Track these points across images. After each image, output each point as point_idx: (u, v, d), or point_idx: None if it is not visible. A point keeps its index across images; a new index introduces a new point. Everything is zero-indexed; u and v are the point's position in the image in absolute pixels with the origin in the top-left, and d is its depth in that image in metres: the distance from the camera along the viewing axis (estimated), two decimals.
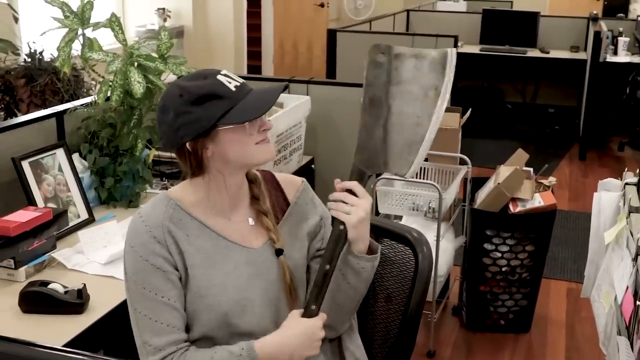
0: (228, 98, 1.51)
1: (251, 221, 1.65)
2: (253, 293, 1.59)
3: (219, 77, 1.54)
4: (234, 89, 1.53)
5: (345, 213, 1.54)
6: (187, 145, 1.54)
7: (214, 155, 1.55)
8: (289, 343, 1.55)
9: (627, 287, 1.66)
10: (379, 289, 1.89)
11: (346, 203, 1.55)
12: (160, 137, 1.60)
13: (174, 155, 1.61)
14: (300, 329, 1.55)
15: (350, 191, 1.56)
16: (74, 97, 4.99)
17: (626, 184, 2.15)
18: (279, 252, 1.62)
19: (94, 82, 4.76)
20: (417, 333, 1.83)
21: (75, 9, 2.62)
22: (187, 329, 1.57)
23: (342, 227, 1.55)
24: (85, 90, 5.10)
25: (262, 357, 1.52)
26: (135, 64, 2.50)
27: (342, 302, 1.65)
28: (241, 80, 1.57)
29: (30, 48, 4.95)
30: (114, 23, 2.57)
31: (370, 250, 1.63)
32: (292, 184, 1.75)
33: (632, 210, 1.94)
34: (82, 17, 2.58)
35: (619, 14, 8.06)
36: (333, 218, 1.57)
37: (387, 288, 1.88)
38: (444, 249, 3.37)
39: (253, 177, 1.68)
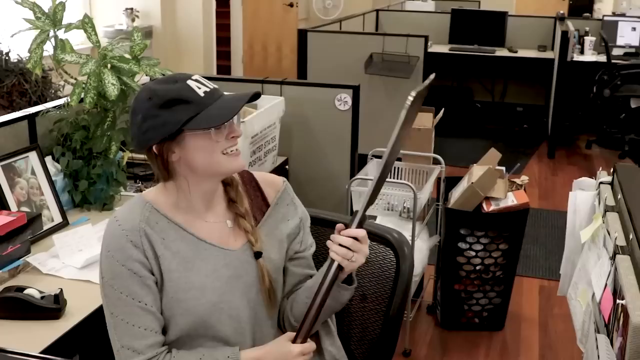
0: (195, 103, 1.51)
1: (229, 223, 1.65)
2: (231, 295, 1.60)
3: (189, 82, 1.54)
4: (202, 94, 1.53)
5: (349, 260, 1.54)
6: (154, 148, 1.55)
7: (181, 160, 1.55)
8: (267, 357, 1.59)
9: (606, 286, 1.68)
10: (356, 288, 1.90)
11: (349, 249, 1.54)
12: (131, 138, 1.60)
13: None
14: (281, 350, 1.59)
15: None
16: (42, 98, 4.93)
17: (600, 183, 2.18)
18: (257, 255, 1.63)
19: (62, 83, 4.70)
20: (399, 333, 1.84)
21: (46, 10, 2.58)
22: (164, 331, 1.58)
23: (339, 270, 1.55)
24: (53, 92, 5.04)
25: None
26: (109, 65, 2.47)
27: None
28: (212, 86, 1.56)
29: None
30: (87, 24, 2.54)
31: (350, 277, 1.64)
32: (272, 185, 1.74)
33: (608, 209, 1.96)
34: (54, 19, 2.54)
35: (585, 14, 8.16)
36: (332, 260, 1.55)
37: (363, 287, 1.89)
38: (419, 248, 3.38)
39: (229, 180, 1.68)
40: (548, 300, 3.89)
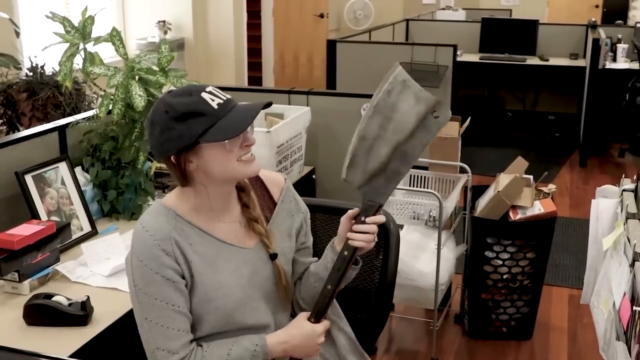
0: (209, 115, 1.58)
1: (243, 222, 1.74)
2: (253, 290, 1.71)
3: (203, 94, 1.60)
4: (216, 106, 1.59)
5: (367, 242, 1.67)
6: (172, 158, 1.62)
7: (198, 168, 1.63)
8: (293, 341, 1.71)
9: (625, 293, 1.68)
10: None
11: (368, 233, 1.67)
12: (151, 148, 1.68)
13: None
14: (305, 331, 1.72)
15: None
16: (75, 110, 5.02)
17: (624, 190, 2.17)
18: (273, 257, 1.74)
19: (95, 95, 4.79)
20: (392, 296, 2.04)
21: (76, 24, 2.65)
22: (193, 329, 1.67)
23: (349, 252, 1.68)
24: (86, 103, 5.13)
25: (272, 351, 1.68)
26: (137, 77, 2.53)
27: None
28: (225, 97, 1.62)
29: (31, 62, 4.98)
30: (115, 37, 2.60)
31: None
32: (276, 183, 1.85)
33: (629, 216, 1.96)
34: (83, 32, 2.61)
35: (618, 21, 8.09)
36: (353, 247, 1.68)
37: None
38: (445, 257, 3.38)
39: (243, 186, 1.76)
40: (577, 309, 3.85)
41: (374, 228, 1.67)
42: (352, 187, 1.66)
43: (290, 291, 1.81)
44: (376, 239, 1.70)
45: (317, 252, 1.89)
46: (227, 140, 1.58)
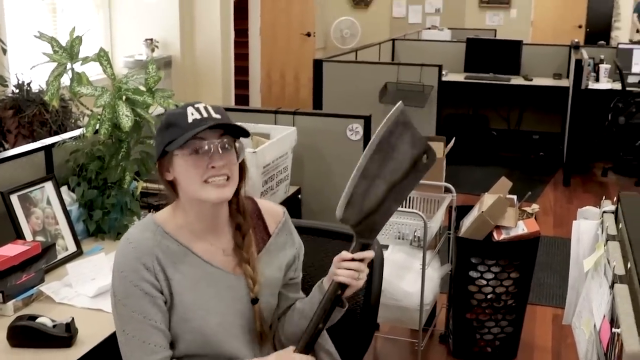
0: (180, 127, 1.62)
1: (231, 247, 1.73)
2: (233, 317, 1.71)
3: (189, 108, 1.65)
4: (191, 120, 1.62)
5: (355, 279, 1.67)
6: (157, 166, 1.68)
7: (176, 180, 1.66)
8: None
9: (604, 315, 1.70)
10: None
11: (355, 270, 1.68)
12: None
13: (161, 186, 1.73)
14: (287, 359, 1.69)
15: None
16: (62, 127, 5.02)
17: (604, 212, 2.20)
18: (254, 301, 1.72)
19: (82, 113, 4.78)
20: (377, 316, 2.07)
21: (64, 43, 2.66)
22: (172, 346, 1.68)
23: (340, 291, 1.68)
24: (73, 121, 5.13)
25: None
26: (124, 97, 2.54)
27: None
28: (208, 115, 1.63)
29: (18, 79, 4.98)
30: (103, 58, 2.61)
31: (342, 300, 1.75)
32: (274, 215, 1.84)
33: (609, 238, 1.98)
34: (70, 52, 2.61)
35: (600, 42, 8.19)
36: (339, 283, 1.68)
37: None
38: (430, 277, 3.40)
39: (241, 223, 1.74)
40: (561, 329, 3.88)
41: (361, 265, 1.67)
42: (346, 225, 1.67)
43: (267, 338, 1.79)
44: (364, 278, 1.69)
45: (304, 277, 1.90)
46: (194, 154, 1.61)
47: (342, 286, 1.68)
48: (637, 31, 11.33)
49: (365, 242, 1.69)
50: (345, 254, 1.69)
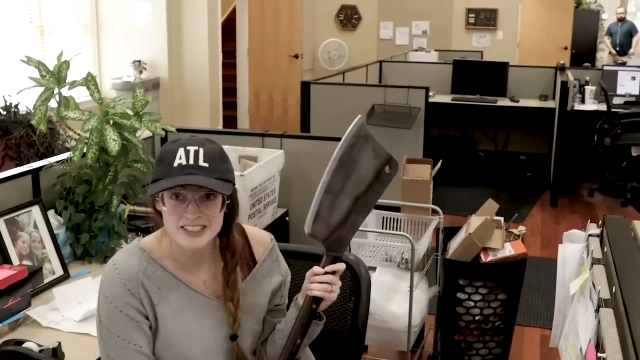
0: (166, 168, 1.60)
1: (215, 279, 1.72)
2: (216, 343, 1.71)
3: (180, 149, 1.61)
4: (176, 164, 1.59)
5: (329, 292, 1.68)
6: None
7: (163, 213, 1.64)
8: None
9: (590, 340, 1.71)
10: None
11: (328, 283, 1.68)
12: None
13: (149, 210, 1.73)
14: None
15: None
16: (49, 149, 5.01)
17: (589, 235, 2.21)
18: (233, 338, 1.72)
19: (69, 136, 4.78)
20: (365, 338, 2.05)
21: (51, 67, 2.67)
22: None
23: (315, 305, 1.69)
24: (60, 143, 5.12)
25: None
26: (111, 121, 2.55)
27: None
28: (195, 163, 1.59)
29: (5, 101, 4.97)
30: (90, 82, 2.62)
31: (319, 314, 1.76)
32: (261, 242, 1.83)
33: (595, 261, 2.00)
34: (58, 77, 2.62)
35: (586, 64, 8.27)
36: (313, 298, 1.69)
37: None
38: (418, 299, 3.40)
39: (227, 261, 1.72)
40: (549, 350, 3.87)
41: (333, 278, 1.69)
42: (316, 240, 1.69)
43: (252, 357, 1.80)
44: (337, 290, 1.71)
45: (291, 300, 1.90)
46: (170, 200, 1.61)
47: (317, 300, 1.69)
48: (610, 53, 11.55)
49: (336, 255, 1.70)
50: (317, 268, 1.70)
